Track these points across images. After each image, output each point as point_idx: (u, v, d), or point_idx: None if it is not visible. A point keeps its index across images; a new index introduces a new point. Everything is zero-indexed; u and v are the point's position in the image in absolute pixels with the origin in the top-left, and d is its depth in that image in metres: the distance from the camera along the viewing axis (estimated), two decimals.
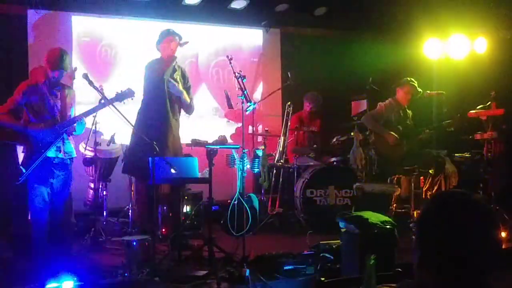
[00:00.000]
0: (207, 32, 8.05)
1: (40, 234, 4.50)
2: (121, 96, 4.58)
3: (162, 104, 5.38)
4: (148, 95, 5.47)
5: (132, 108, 5.26)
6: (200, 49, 7.98)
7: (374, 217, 4.36)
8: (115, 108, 4.47)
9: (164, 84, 5.35)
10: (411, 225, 5.66)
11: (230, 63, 5.20)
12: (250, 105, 5.41)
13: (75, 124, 4.58)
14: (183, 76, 5.64)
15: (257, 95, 8.22)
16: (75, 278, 3.81)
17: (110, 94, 4.60)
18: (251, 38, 8.41)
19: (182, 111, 5.64)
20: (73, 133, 4.69)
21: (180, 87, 5.46)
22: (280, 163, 6.85)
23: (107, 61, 7.50)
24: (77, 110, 4.84)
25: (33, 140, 4.48)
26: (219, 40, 8.14)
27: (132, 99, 4.68)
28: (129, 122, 4.58)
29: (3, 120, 4.58)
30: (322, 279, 3.39)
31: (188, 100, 5.53)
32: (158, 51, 5.54)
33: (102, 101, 4.59)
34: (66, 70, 4.61)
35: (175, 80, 5.46)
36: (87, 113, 4.64)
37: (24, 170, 4.41)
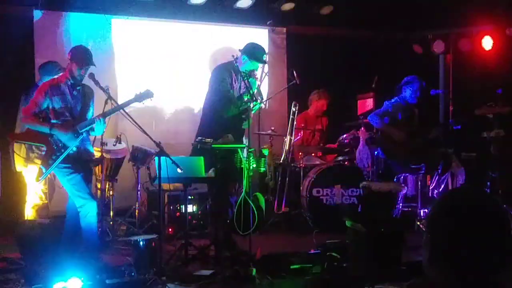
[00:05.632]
0: (212, 32, 8.03)
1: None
2: (140, 97, 4.62)
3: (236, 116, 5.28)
4: (220, 104, 5.27)
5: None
6: (206, 49, 7.96)
7: (381, 215, 4.36)
8: (126, 112, 4.49)
9: (239, 103, 5.22)
10: (420, 224, 5.64)
11: (236, 62, 5.18)
12: (256, 104, 5.38)
13: (94, 125, 4.61)
14: (249, 87, 5.31)
15: (263, 94, 8.18)
16: (82, 278, 3.83)
17: (121, 95, 4.60)
18: (256, 37, 8.37)
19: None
20: (91, 133, 4.78)
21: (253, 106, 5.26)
22: (286, 162, 6.83)
23: (111, 61, 7.49)
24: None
25: (54, 141, 4.52)
26: (224, 39, 8.11)
27: (151, 99, 4.67)
28: (137, 125, 4.50)
29: (32, 122, 4.62)
30: None
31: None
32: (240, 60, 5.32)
33: (110, 101, 4.62)
34: (92, 65, 4.68)
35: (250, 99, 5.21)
36: (105, 114, 4.65)
37: (44, 170, 4.46)
